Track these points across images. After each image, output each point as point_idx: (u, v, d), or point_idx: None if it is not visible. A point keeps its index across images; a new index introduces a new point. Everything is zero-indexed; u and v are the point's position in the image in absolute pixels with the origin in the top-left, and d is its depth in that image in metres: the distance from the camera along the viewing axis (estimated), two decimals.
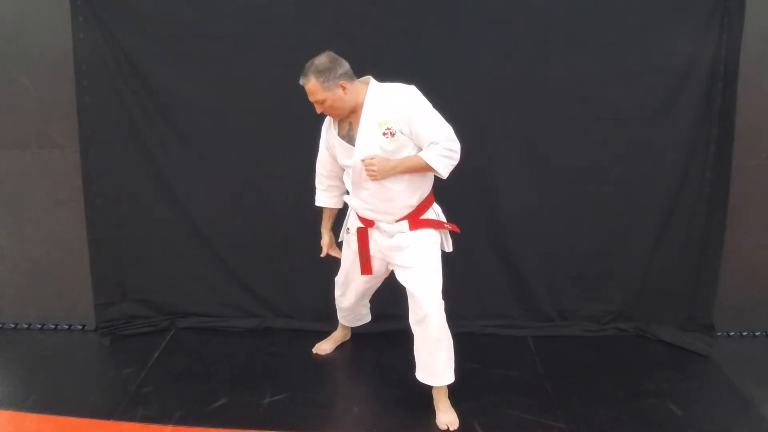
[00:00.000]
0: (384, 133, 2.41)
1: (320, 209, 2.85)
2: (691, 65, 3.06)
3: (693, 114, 3.11)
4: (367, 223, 2.61)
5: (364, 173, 2.46)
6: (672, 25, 3.02)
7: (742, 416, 2.73)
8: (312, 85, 2.38)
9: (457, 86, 2.98)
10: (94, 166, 3.17)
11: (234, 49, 3.08)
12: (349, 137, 2.52)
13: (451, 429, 2.56)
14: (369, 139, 2.43)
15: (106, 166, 3.19)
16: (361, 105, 2.44)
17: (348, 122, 2.52)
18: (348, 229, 2.72)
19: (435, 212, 2.62)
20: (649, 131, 3.15)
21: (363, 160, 2.42)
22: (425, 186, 2.58)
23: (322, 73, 2.37)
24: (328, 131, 2.62)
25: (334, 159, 2.64)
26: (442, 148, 2.40)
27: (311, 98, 2.42)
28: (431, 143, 2.41)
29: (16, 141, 3.19)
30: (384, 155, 2.42)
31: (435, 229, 2.61)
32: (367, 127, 2.43)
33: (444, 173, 2.45)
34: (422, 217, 2.58)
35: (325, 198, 2.80)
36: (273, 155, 3.19)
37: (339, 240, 2.84)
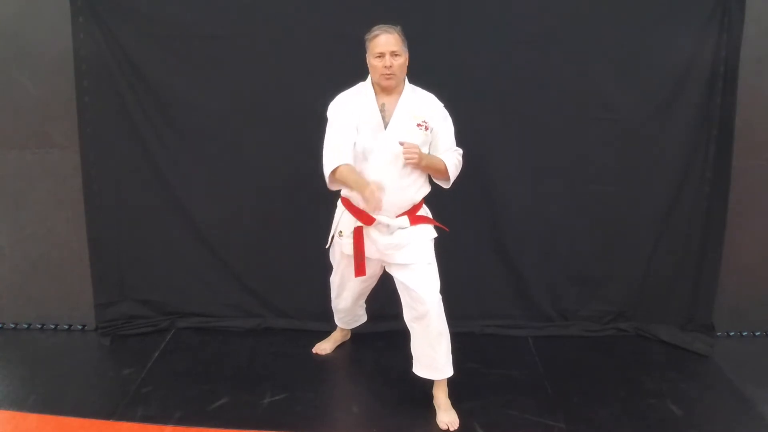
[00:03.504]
0: (419, 125, 2.51)
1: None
2: (691, 65, 3.06)
3: (693, 114, 3.12)
4: (366, 220, 2.60)
5: (389, 156, 2.47)
6: (672, 25, 3.02)
7: (742, 416, 2.72)
8: (397, 38, 2.47)
9: (457, 86, 2.97)
10: (94, 166, 3.17)
11: (234, 49, 3.08)
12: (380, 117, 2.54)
13: (451, 429, 2.57)
14: (403, 125, 2.50)
15: (106, 166, 3.19)
16: (400, 92, 2.54)
17: (382, 103, 2.54)
18: (341, 232, 2.68)
19: (425, 210, 2.69)
20: (649, 131, 3.15)
21: (403, 143, 2.44)
22: (427, 186, 2.64)
23: (402, 35, 2.50)
24: (363, 106, 2.52)
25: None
26: (456, 158, 2.61)
27: (391, 48, 2.44)
28: (447, 149, 2.60)
29: (16, 141, 3.19)
30: None
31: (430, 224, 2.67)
32: (403, 113, 2.51)
33: (452, 180, 2.60)
34: (418, 214, 2.62)
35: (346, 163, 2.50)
36: (273, 155, 3.19)
37: (328, 247, 2.81)
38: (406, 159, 2.44)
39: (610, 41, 3.05)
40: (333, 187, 2.58)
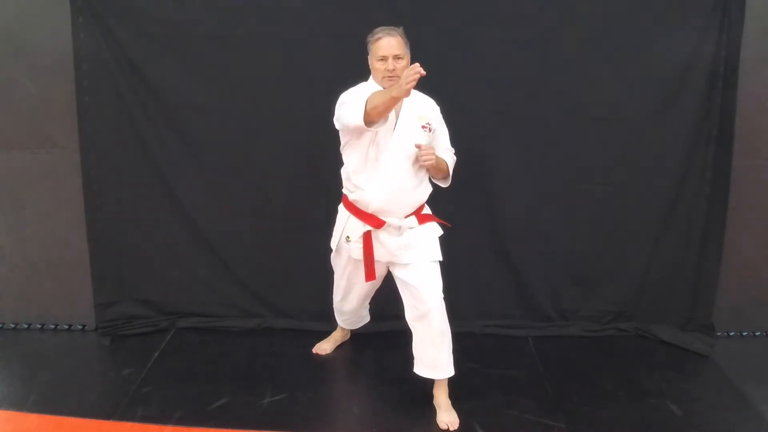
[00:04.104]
0: (423, 126, 2.54)
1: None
2: (691, 65, 3.06)
3: (693, 114, 3.12)
4: (376, 223, 2.58)
5: (400, 155, 2.49)
6: (672, 25, 3.02)
7: (742, 416, 2.73)
8: (399, 41, 2.46)
9: (456, 87, 2.98)
10: (94, 166, 3.18)
11: (234, 49, 3.08)
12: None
13: (451, 429, 2.57)
14: (410, 127, 2.52)
15: (106, 166, 3.19)
16: None
17: None
18: (348, 237, 2.66)
19: (427, 209, 2.70)
20: (649, 131, 3.15)
21: (420, 146, 2.47)
22: (430, 185, 2.67)
23: (405, 37, 2.48)
24: None
25: None
26: (452, 158, 2.68)
27: (394, 51, 2.43)
28: (445, 150, 2.67)
29: (16, 141, 3.19)
30: None
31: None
32: (408, 115, 2.53)
33: (450, 177, 2.66)
34: (423, 213, 2.65)
35: None
36: (273, 155, 3.19)
37: (333, 253, 2.81)
38: (425, 160, 2.47)
39: (610, 41, 3.05)
40: (369, 124, 2.37)
